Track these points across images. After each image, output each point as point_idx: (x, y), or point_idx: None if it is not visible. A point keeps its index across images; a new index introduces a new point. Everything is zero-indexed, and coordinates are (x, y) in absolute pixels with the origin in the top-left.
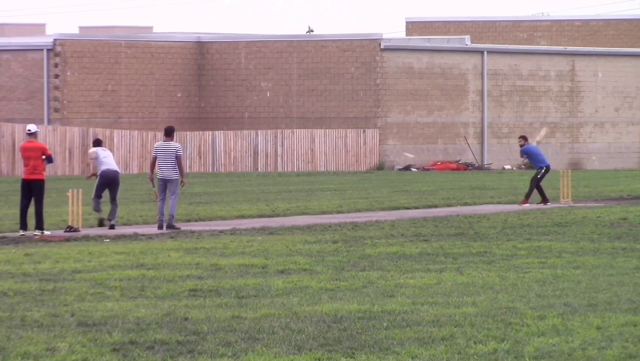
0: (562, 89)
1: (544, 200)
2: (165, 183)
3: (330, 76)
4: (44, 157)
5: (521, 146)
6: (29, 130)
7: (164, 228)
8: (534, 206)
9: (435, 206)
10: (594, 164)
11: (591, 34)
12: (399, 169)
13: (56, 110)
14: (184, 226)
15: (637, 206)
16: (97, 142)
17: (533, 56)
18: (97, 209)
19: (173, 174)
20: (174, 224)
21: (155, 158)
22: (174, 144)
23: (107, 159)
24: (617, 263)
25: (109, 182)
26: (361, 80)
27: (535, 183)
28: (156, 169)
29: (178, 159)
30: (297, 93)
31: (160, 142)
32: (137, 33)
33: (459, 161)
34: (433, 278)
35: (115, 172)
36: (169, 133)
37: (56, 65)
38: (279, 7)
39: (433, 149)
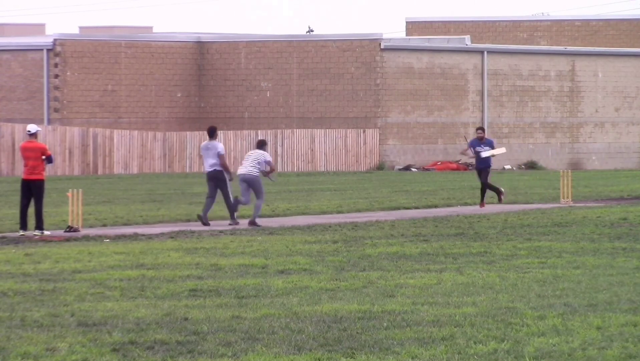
0: (562, 89)
1: (483, 202)
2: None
3: (330, 76)
4: (43, 157)
5: (482, 138)
6: (29, 131)
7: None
8: (486, 208)
9: (435, 206)
10: (594, 164)
11: (591, 34)
12: (399, 169)
13: (56, 110)
14: (184, 226)
15: (637, 206)
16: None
17: (533, 56)
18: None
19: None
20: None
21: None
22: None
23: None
24: (617, 263)
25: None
26: (361, 80)
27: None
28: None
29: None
30: (297, 93)
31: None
32: (137, 33)
33: (459, 161)
34: (433, 278)
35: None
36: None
37: (56, 65)
38: (279, 7)
39: (433, 149)
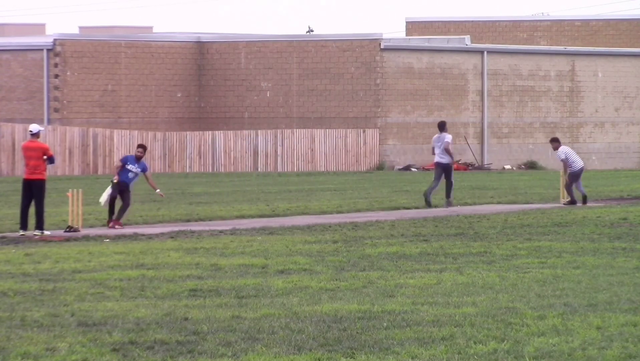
0: (562, 89)
1: (112, 220)
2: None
3: (330, 76)
4: (45, 157)
5: (140, 158)
6: (31, 130)
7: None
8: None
9: (436, 206)
10: (594, 164)
11: (591, 34)
12: (399, 169)
13: (56, 110)
14: (184, 226)
15: (637, 206)
16: (441, 126)
17: (533, 56)
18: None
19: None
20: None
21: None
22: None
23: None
24: (617, 263)
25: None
26: (361, 80)
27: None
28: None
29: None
30: (297, 93)
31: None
32: (137, 33)
33: (459, 161)
34: (433, 278)
35: (441, 164)
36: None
37: (56, 65)
38: (279, 7)
39: None
